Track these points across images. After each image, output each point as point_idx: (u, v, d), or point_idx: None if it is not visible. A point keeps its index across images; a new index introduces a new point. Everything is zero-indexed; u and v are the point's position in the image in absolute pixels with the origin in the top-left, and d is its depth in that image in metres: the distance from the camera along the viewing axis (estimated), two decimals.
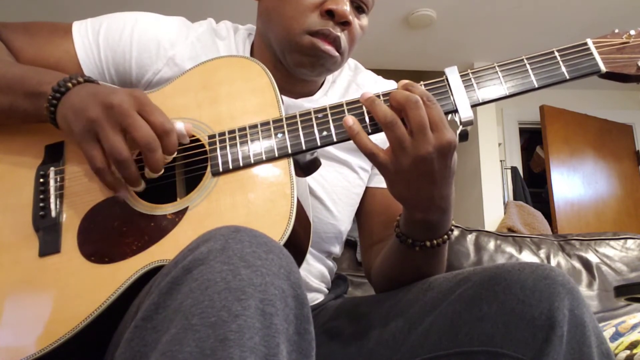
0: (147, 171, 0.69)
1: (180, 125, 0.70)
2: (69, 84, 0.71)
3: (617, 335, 1.10)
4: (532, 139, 5.00)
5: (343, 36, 0.86)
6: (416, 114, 0.66)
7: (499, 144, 4.17)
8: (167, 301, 0.51)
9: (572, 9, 3.41)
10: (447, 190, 0.71)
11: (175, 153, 0.70)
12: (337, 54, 0.86)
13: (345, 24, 0.85)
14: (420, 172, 0.68)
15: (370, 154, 0.69)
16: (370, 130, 0.72)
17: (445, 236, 0.77)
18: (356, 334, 0.81)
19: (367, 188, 0.99)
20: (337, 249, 0.99)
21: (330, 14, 0.84)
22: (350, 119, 0.70)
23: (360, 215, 1.00)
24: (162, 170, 0.69)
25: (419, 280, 0.81)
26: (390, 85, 1.01)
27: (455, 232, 1.71)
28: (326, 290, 0.99)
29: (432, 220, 0.74)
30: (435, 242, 0.76)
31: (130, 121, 0.66)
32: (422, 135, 0.66)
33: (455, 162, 0.70)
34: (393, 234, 0.80)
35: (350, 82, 1.00)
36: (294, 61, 0.87)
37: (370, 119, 0.72)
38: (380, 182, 0.98)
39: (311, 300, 0.95)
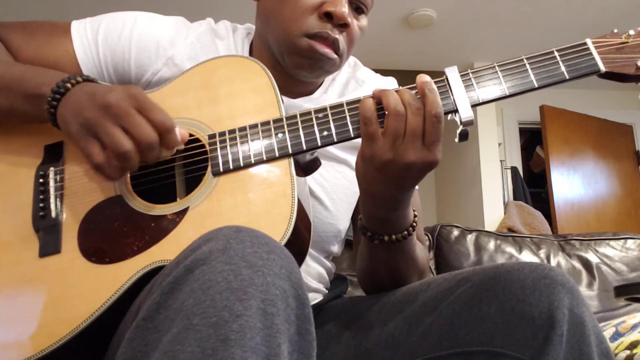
0: None
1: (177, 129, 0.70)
2: (68, 85, 0.71)
3: (617, 335, 1.10)
4: (532, 139, 5.00)
5: (341, 38, 0.86)
6: (414, 120, 0.67)
7: (499, 144, 4.17)
8: (168, 301, 0.51)
9: (572, 9, 3.41)
10: (407, 196, 0.74)
11: (175, 150, 0.70)
12: (335, 56, 0.86)
13: (343, 25, 0.85)
14: (394, 173, 0.69)
15: (369, 118, 0.69)
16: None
17: (406, 232, 0.78)
18: (356, 334, 0.80)
19: None
20: (336, 248, 0.99)
21: (328, 16, 0.84)
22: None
23: (355, 213, 1.01)
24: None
25: (395, 278, 0.83)
26: (389, 81, 1.02)
27: (455, 232, 1.71)
28: (325, 291, 0.99)
29: (387, 217, 0.76)
30: (394, 237, 0.77)
31: (130, 120, 0.66)
32: (412, 142, 0.67)
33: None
34: None
35: (349, 79, 1.00)
36: (293, 63, 0.87)
37: None
38: None
39: (310, 300, 0.94)
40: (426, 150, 0.68)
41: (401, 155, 0.68)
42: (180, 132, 0.70)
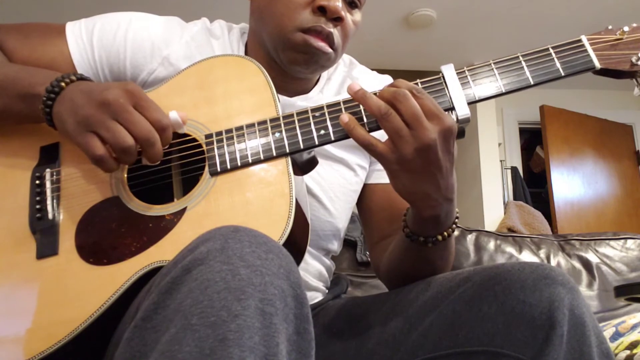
0: (144, 160, 0.69)
1: (174, 115, 0.70)
2: (62, 84, 0.71)
3: (617, 335, 1.10)
4: (532, 139, 5.00)
5: (336, 32, 0.86)
6: (407, 105, 0.66)
7: (499, 144, 4.17)
8: (166, 301, 0.51)
9: (571, 9, 3.41)
10: (452, 179, 0.71)
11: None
12: (330, 50, 0.86)
13: (337, 19, 0.85)
14: (426, 161, 0.67)
15: (368, 144, 0.69)
16: (367, 128, 0.71)
17: (454, 225, 0.77)
18: (356, 334, 0.80)
19: (367, 185, 0.99)
20: (335, 246, 0.99)
21: (322, 10, 0.84)
22: (345, 116, 0.70)
23: (363, 212, 1.00)
24: (160, 160, 0.69)
25: (433, 273, 0.81)
26: (385, 79, 1.01)
27: (455, 232, 1.70)
28: (325, 289, 0.99)
29: (441, 214, 0.73)
30: (446, 234, 0.76)
31: (127, 116, 0.66)
32: (419, 124, 0.65)
33: (456, 149, 0.70)
34: (399, 230, 0.80)
35: (345, 77, 1.00)
36: (288, 59, 0.87)
37: (368, 116, 0.71)
38: (379, 178, 0.98)
39: (310, 299, 0.94)
40: (434, 121, 0.66)
41: (416, 144, 0.66)
42: (180, 115, 0.70)
